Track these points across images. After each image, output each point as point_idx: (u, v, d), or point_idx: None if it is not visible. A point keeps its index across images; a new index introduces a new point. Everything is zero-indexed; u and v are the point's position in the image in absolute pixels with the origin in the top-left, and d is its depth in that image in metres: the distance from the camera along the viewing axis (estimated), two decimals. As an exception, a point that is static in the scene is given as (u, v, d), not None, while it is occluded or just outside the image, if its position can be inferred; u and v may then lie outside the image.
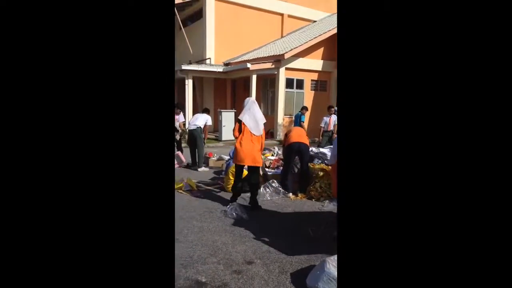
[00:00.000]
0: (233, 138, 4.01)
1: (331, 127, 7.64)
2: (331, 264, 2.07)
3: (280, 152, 6.51)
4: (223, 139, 10.43)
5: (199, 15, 14.02)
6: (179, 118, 6.71)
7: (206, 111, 6.60)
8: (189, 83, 11.64)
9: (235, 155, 3.85)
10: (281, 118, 11.48)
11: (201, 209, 3.81)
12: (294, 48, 10.96)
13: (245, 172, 4.10)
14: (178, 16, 13.46)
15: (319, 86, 12.38)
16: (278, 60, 10.92)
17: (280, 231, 3.17)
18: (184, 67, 11.37)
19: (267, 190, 4.33)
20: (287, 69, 11.25)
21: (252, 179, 3.88)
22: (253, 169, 3.87)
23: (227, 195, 4.21)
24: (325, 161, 4.93)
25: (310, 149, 4.84)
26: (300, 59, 11.39)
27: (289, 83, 11.66)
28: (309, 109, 9.84)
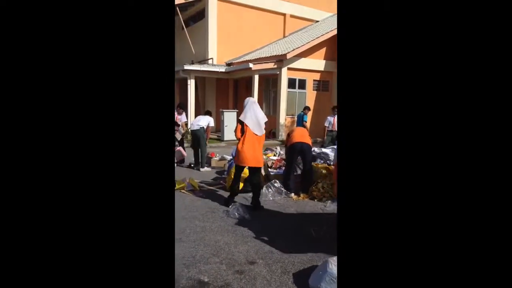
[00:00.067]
0: (235, 138, 4.01)
1: (336, 127, 7.63)
2: (334, 265, 2.06)
3: (282, 152, 6.50)
4: (225, 139, 10.44)
5: (202, 15, 14.04)
6: (181, 118, 6.73)
7: (208, 113, 6.64)
8: (191, 83, 11.65)
9: (237, 156, 3.85)
10: (283, 118, 11.48)
11: (203, 209, 3.81)
12: (296, 48, 10.96)
13: (246, 171, 4.11)
14: (180, 16, 13.48)
15: (321, 86, 12.36)
16: (280, 60, 10.92)
17: (283, 231, 3.17)
18: (187, 67, 11.39)
19: (269, 190, 4.33)
20: (289, 69, 11.24)
21: (254, 180, 3.88)
22: (255, 170, 3.87)
23: (229, 195, 4.21)
24: (327, 161, 4.92)
25: (313, 149, 4.84)
26: (302, 59, 11.38)
27: (291, 83, 11.65)
28: (311, 109, 9.82)
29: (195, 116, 11.62)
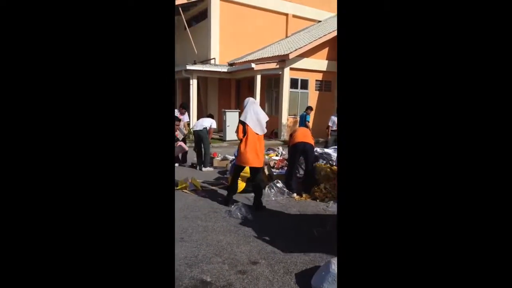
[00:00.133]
0: (237, 138, 4.01)
1: None
2: (336, 265, 2.06)
3: (284, 152, 6.51)
4: (227, 139, 10.45)
5: (204, 15, 14.05)
6: (184, 118, 6.74)
7: (210, 116, 6.69)
8: (193, 83, 11.67)
9: (239, 157, 3.85)
10: (286, 118, 11.47)
11: (205, 209, 3.82)
12: (299, 48, 10.95)
13: (246, 170, 4.11)
14: (183, 16, 13.51)
15: (324, 86, 12.35)
16: (283, 60, 10.91)
17: (285, 232, 3.17)
18: (189, 67, 11.41)
19: (272, 190, 4.33)
20: (291, 69, 11.23)
21: (256, 180, 3.89)
22: (257, 170, 3.88)
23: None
24: (330, 161, 4.92)
25: (315, 149, 4.83)
26: (305, 59, 11.37)
27: (294, 83, 11.65)
28: (314, 109, 9.81)
29: (197, 116, 11.70)
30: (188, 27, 13.85)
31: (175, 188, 4.60)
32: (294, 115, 11.68)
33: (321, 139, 9.80)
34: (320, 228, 3.20)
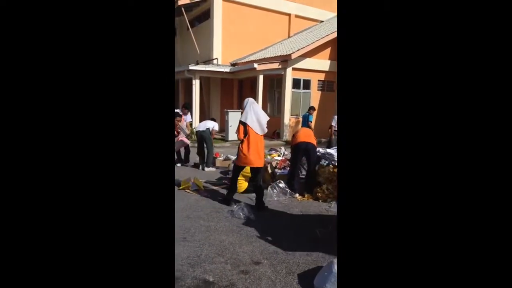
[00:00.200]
0: (237, 138, 4.03)
1: None
2: (339, 266, 2.06)
3: (286, 153, 6.50)
4: (229, 139, 10.45)
5: (207, 15, 14.07)
6: (186, 118, 6.76)
7: (213, 120, 6.75)
8: (196, 83, 11.69)
9: (239, 158, 3.85)
10: (288, 118, 11.47)
11: (208, 209, 3.82)
12: (301, 48, 10.94)
13: (247, 169, 4.13)
14: (185, 16, 13.53)
15: (326, 86, 12.33)
16: (285, 60, 10.91)
17: (287, 232, 3.17)
18: (191, 67, 11.42)
19: (274, 190, 4.33)
20: (294, 69, 11.23)
21: (257, 180, 3.90)
22: (258, 170, 3.89)
23: (235, 195, 4.22)
24: (332, 162, 4.91)
25: (317, 149, 4.83)
26: (307, 59, 11.36)
27: (296, 83, 11.64)
28: (316, 109, 9.80)
29: (200, 116, 11.72)
30: (191, 27, 13.88)
31: (178, 188, 4.61)
32: (297, 115, 11.67)
33: (323, 139, 9.78)
34: (323, 229, 3.19)
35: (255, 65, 10.57)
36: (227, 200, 3.99)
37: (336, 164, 4.78)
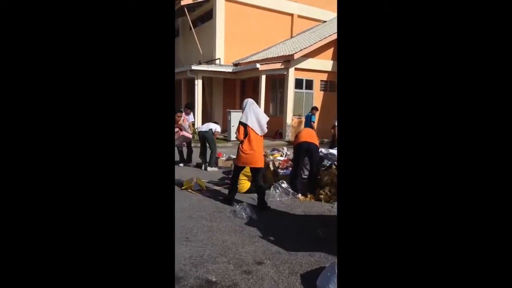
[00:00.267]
0: (236, 139, 4.04)
1: None
2: (342, 266, 2.06)
3: (289, 153, 6.50)
4: (232, 139, 10.46)
5: (209, 15, 14.09)
6: (189, 118, 6.78)
7: (215, 123, 6.79)
8: (198, 83, 11.71)
9: (240, 158, 3.86)
10: (290, 118, 11.46)
11: (210, 209, 3.83)
12: (304, 48, 10.94)
13: (247, 169, 4.14)
14: (188, 16, 13.56)
15: (329, 86, 12.32)
16: (288, 60, 10.91)
17: (290, 232, 3.17)
18: (194, 67, 11.44)
19: (277, 191, 4.33)
20: (296, 69, 11.22)
21: (258, 181, 3.91)
22: (258, 170, 3.91)
23: (237, 195, 4.22)
24: (335, 162, 4.90)
25: (320, 150, 4.83)
26: (310, 59, 11.35)
27: (299, 83, 11.63)
28: (319, 109, 9.79)
29: (202, 115, 11.73)
30: (194, 28, 13.90)
31: (180, 188, 4.62)
32: (299, 115, 11.66)
33: (325, 140, 9.77)
34: (325, 229, 3.19)
35: (258, 65, 10.57)
36: (229, 200, 4.00)
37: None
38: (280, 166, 5.55)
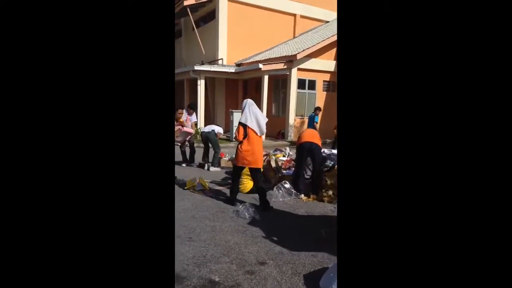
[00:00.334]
0: (235, 139, 4.05)
1: None
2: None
3: (291, 153, 6.50)
4: (234, 139, 10.47)
5: (212, 16, 14.11)
6: (191, 118, 6.79)
7: (217, 126, 6.81)
8: (201, 84, 11.72)
9: (239, 158, 3.86)
10: (293, 119, 11.45)
11: (213, 209, 3.83)
12: (307, 48, 10.92)
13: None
14: (191, 17, 13.58)
15: (331, 87, 12.30)
16: (290, 60, 10.90)
17: (293, 232, 3.17)
18: (197, 67, 11.46)
19: (279, 191, 4.33)
20: (299, 69, 11.21)
21: (257, 181, 3.93)
22: (257, 170, 3.91)
23: (240, 195, 4.23)
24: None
25: (322, 150, 4.82)
26: (313, 59, 11.34)
27: (301, 83, 11.62)
28: (321, 110, 9.78)
29: (205, 116, 11.74)
30: (196, 28, 13.92)
31: (183, 188, 4.63)
32: (301, 115, 11.65)
33: (328, 140, 9.76)
34: (328, 229, 3.18)
35: (260, 66, 10.57)
36: (231, 200, 4.01)
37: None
38: (283, 166, 5.55)
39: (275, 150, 7.22)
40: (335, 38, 11.45)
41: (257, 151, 3.82)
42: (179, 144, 6.57)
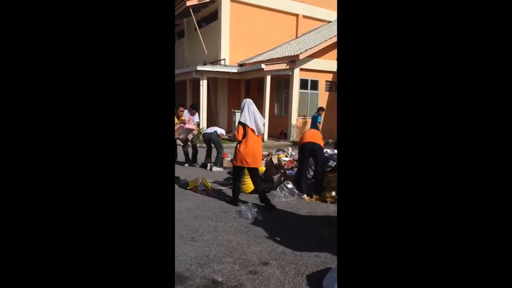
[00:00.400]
0: (234, 139, 4.05)
1: None
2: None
3: (294, 153, 6.49)
4: (233, 139, 10.48)
5: (215, 16, 14.12)
6: (194, 118, 6.80)
7: (220, 128, 6.83)
8: (203, 84, 11.73)
9: (237, 158, 3.86)
10: (295, 119, 11.44)
11: (216, 209, 3.84)
12: (309, 48, 10.91)
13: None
14: (193, 17, 13.60)
15: (334, 87, 12.27)
16: (293, 60, 10.89)
17: (295, 233, 3.16)
18: (199, 67, 11.47)
19: (282, 191, 4.33)
20: (301, 69, 11.20)
21: (256, 182, 3.94)
22: (256, 170, 3.93)
23: (242, 196, 4.23)
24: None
25: (325, 150, 4.82)
26: (315, 59, 11.32)
27: (304, 84, 11.61)
28: (324, 110, 9.77)
29: (207, 116, 11.75)
30: (199, 28, 13.94)
31: (186, 188, 4.64)
32: (304, 116, 11.64)
33: (330, 140, 9.74)
34: (331, 230, 3.18)
35: (263, 66, 10.57)
36: (234, 200, 4.02)
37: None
38: (285, 167, 5.54)
39: (278, 150, 7.22)
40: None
41: (256, 152, 3.82)
42: (182, 144, 6.58)
